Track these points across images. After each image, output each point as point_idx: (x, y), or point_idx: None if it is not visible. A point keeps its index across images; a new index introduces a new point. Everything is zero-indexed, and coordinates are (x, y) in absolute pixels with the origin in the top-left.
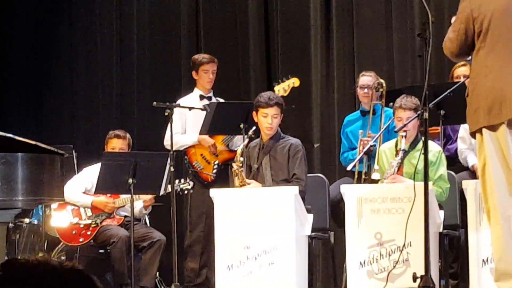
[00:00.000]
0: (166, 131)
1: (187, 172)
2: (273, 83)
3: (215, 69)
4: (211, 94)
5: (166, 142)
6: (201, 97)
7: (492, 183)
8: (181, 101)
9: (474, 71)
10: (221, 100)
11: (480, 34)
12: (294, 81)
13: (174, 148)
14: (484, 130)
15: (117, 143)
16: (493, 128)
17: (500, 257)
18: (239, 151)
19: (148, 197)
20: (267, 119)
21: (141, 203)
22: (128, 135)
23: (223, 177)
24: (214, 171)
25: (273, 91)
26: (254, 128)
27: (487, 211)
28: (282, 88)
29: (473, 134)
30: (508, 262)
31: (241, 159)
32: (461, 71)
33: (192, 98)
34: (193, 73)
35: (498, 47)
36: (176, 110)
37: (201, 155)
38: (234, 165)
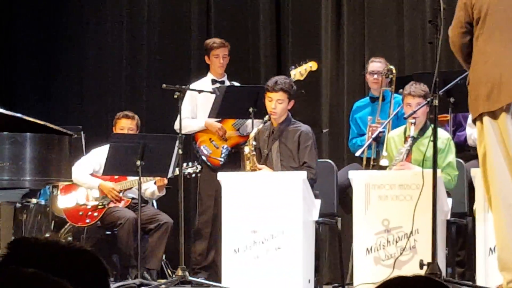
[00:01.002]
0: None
1: (196, 156)
2: (290, 66)
3: (226, 54)
4: (224, 79)
5: (177, 126)
6: (213, 82)
7: (493, 171)
8: (193, 85)
9: (474, 59)
10: (236, 84)
11: (478, 21)
12: (312, 65)
13: (183, 132)
14: (484, 117)
15: (125, 123)
16: (493, 115)
17: (502, 247)
18: (252, 135)
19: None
20: (271, 104)
21: (152, 185)
22: (136, 116)
23: (233, 162)
24: (223, 155)
25: (289, 75)
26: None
27: (489, 200)
28: (299, 72)
29: (475, 122)
30: (510, 251)
31: (254, 143)
32: None
33: (204, 83)
34: (206, 58)
35: (495, 33)
36: (187, 95)
37: (210, 139)
38: (246, 148)
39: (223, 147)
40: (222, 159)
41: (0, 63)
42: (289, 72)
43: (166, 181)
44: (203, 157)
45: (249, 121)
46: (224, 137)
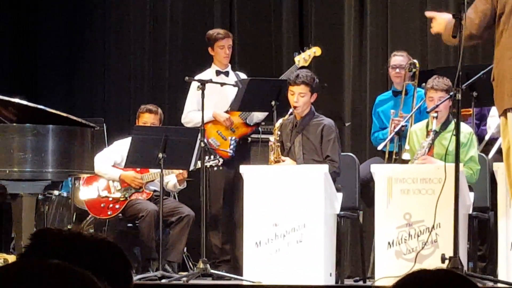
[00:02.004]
0: (185, 108)
1: (204, 150)
2: (294, 53)
3: (231, 44)
4: (228, 69)
5: (184, 120)
6: (218, 73)
7: None
8: (198, 77)
9: (499, 54)
10: (240, 74)
11: (502, 15)
12: (316, 50)
13: (189, 125)
14: (509, 113)
15: (148, 118)
16: None
17: None
18: (277, 125)
19: (180, 171)
20: (293, 97)
21: (173, 177)
22: (160, 110)
23: (243, 153)
24: (231, 147)
25: (293, 61)
26: None
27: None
28: (303, 58)
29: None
30: None
31: (278, 132)
32: None
33: (209, 74)
34: (209, 49)
35: None
36: (192, 87)
37: (217, 131)
38: (271, 138)
39: (231, 139)
40: (231, 151)
41: (25, 56)
42: (293, 58)
43: (186, 174)
44: (212, 150)
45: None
46: (232, 128)
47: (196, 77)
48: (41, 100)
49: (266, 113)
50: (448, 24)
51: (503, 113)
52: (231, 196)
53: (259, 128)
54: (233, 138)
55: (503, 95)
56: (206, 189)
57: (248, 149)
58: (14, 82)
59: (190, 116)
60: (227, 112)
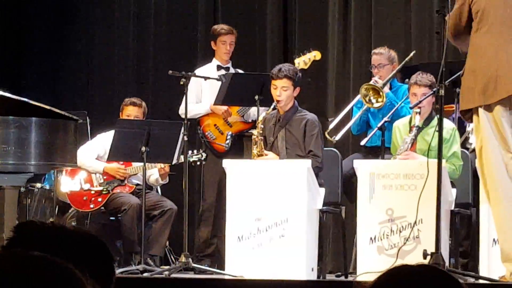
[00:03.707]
0: (182, 100)
1: (201, 142)
2: (294, 55)
3: (233, 41)
4: (229, 65)
5: (181, 111)
6: (219, 68)
7: (490, 164)
8: (198, 71)
9: (470, 51)
10: (240, 71)
11: (477, 15)
12: (316, 55)
13: (188, 117)
14: (480, 110)
15: (132, 111)
16: (488, 108)
17: (505, 238)
18: (260, 118)
19: (162, 165)
20: (276, 91)
21: (156, 171)
22: (144, 104)
23: (237, 149)
24: (227, 141)
25: (293, 63)
26: None
27: (487, 193)
28: (303, 61)
29: (463, 113)
30: None
31: (262, 126)
32: None
33: (209, 68)
34: (212, 43)
35: (493, 28)
36: (192, 79)
37: (215, 125)
38: (254, 132)
39: (228, 133)
40: (227, 145)
41: (8, 48)
42: (293, 61)
43: (167, 169)
44: (208, 143)
45: (254, 108)
46: (229, 123)
47: (197, 70)
48: (26, 92)
49: (262, 110)
50: None
51: (475, 111)
52: (222, 190)
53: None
54: (230, 132)
55: (473, 92)
56: (201, 183)
57: (242, 145)
58: None
59: (189, 108)
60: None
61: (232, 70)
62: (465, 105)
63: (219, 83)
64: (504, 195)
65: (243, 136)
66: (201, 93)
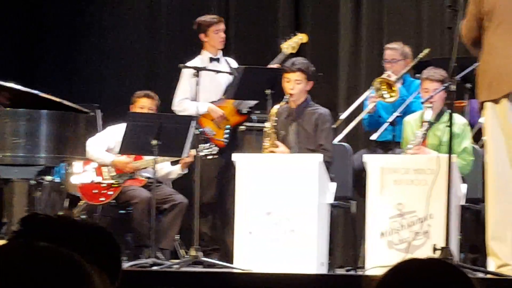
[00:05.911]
0: (175, 94)
1: (198, 139)
2: (280, 40)
3: (224, 28)
4: (219, 56)
5: (176, 108)
6: (211, 60)
7: (491, 157)
8: (190, 64)
9: (482, 50)
10: (230, 60)
11: (487, 14)
12: (302, 37)
13: (181, 114)
14: (486, 105)
15: (146, 103)
16: (494, 103)
17: (493, 235)
18: (274, 110)
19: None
20: (289, 84)
21: (168, 165)
22: (157, 97)
23: (234, 142)
24: (226, 136)
25: (280, 49)
26: None
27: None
28: (290, 46)
29: (480, 107)
30: (500, 238)
31: (275, 119)
32: None
33: (201, 61)
34: (201, 35)
35: (502, 27)
36: (184, 73)
37: (212, 120)
38: (267, 124)
39: (225, 127)
40: (226, 140)
41: (23, 41)
42: (280, 46)
43: (189, 159)
44: (207, 139)
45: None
46: (219, 126)
47: (189, 64)
48: (39, 85)
49: (256, 101)
50: None
51: (484, 106)
52: (223, 185)
53: (252, 117)
54: (228, 126)
55: (481, 88)
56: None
57: (239, 137)
58: (11, 67)
59: (184, 106)
60: (222, 99)
61: (222, 60)
62: (478, 98)
63: (213, 76)
64: (504, 190)
65: (237, 129)
66: (196, 87)
